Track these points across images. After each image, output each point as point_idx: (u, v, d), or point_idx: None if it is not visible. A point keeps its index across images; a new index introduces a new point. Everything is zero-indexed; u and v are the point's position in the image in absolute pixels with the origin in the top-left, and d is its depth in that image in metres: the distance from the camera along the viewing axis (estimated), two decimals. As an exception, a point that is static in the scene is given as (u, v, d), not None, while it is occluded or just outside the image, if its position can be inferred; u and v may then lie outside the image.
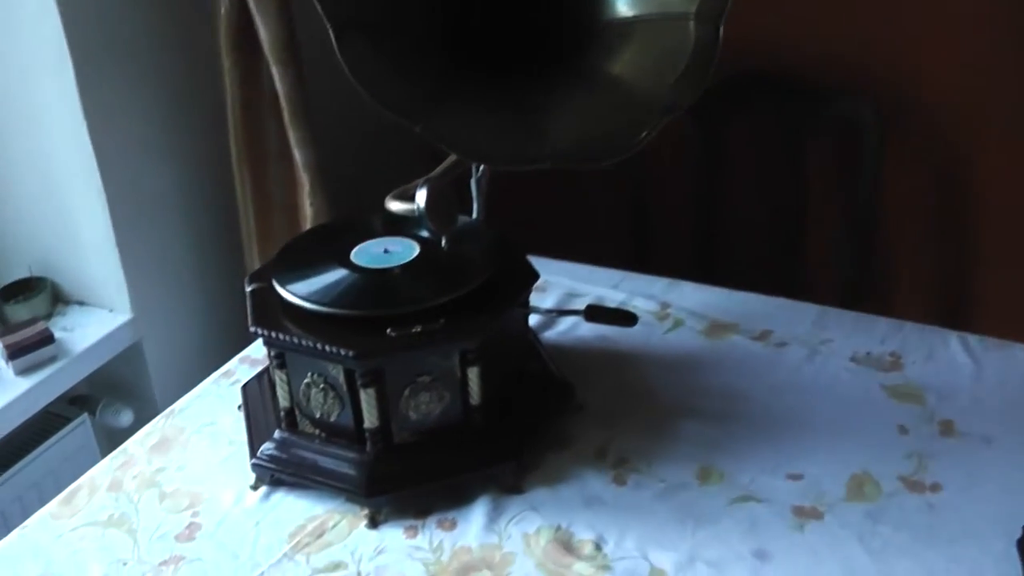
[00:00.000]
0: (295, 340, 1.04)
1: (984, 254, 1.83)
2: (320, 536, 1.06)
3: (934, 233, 1.85)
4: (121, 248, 1.54)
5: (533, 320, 1.34)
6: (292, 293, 1.08)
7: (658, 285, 1.50)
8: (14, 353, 1.41)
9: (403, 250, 1.14)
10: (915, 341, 1.32)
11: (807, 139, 1.83)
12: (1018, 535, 0.99)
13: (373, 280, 1.10)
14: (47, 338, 1.45)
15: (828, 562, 0.99)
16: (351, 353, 1.01)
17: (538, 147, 0.91)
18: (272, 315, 1.08)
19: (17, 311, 1.52)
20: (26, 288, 1.57)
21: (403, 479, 1.08)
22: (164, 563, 1.04)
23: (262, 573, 1.02)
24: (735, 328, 1.39)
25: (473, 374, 1.08)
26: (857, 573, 0.98)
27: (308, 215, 1.58)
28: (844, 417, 1.19)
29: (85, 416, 1.55)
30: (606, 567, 1.00)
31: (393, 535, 1.06)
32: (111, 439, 1.57)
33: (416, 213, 1.08)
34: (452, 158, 1.15)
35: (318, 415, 1.10)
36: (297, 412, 1.13)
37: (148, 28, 1.52)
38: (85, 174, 1.48)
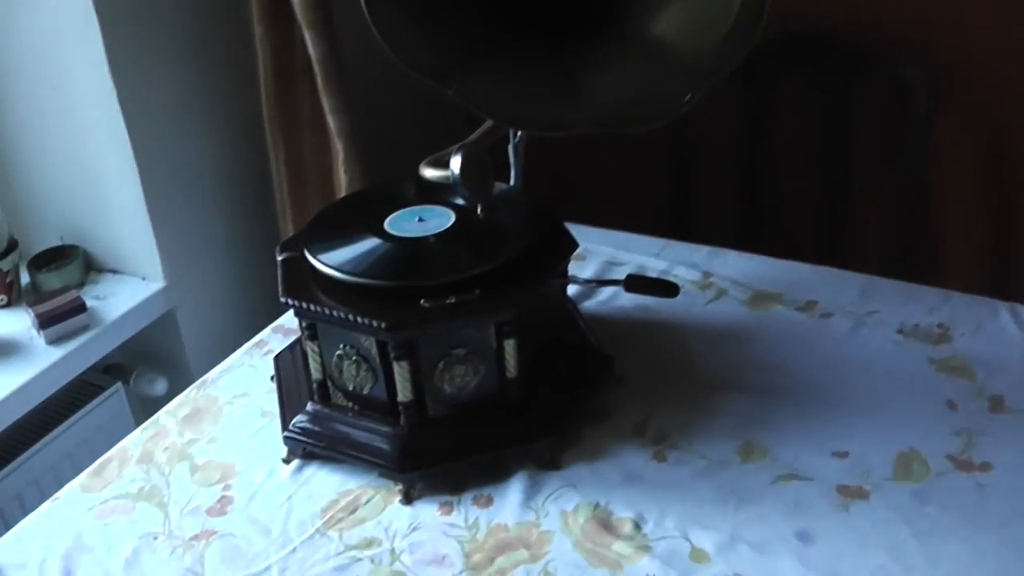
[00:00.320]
0: (326, 311, 1.01)
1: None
2: (353, 512, 1.04)
3: (984, 201, 1.80)
4: (153, 216, 1.52)
5: (571, 289, 1.31)
6: (324, 263, 1.05)
7: (701, 253, 1.47)
8: (45, 322, 1.40)
9: (438, 218, 1.11)
10: (963, 312, 1.28)
11: (856, 102, 1.77)
12: (1074, 517, 0.95)
13: (407, 249, 1.07)
14: (79, 307, 1.43)
15: (873, 545, 0.96)
16: (383, 325, 0.98)
17: (576, 111, 0.87)
18: (303, 285, 1.06)
19: (49, 279, 1.51)
20: (58, 256, 1.56)
21: (438, 454, 1.05)
22: (195, 537, 1.02)
23: (294, 549, 1.00)
24: (779, 298, 1.35)
25: (509, 346, 1.05)
26: (904, 557, 0.94)
27: (342, 182, 1.55)
28: (890, 392, 1.16)
29: (119, 385, 1.54)
30: (645, 547, 0.97)
31: (427, 511, 1.04)
32: (145, 408, 1.56)
33: (451, 180, 1.04)
34: (488, 123, 1.12)
35: (351, 387, 1.07)
36: (330, 384, 1.10)
37: (178, -8, 1.49)
38: (116, 142, 1.46)
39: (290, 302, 1.04)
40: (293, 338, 1.30)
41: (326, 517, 1.03)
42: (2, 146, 1.57)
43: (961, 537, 0.96)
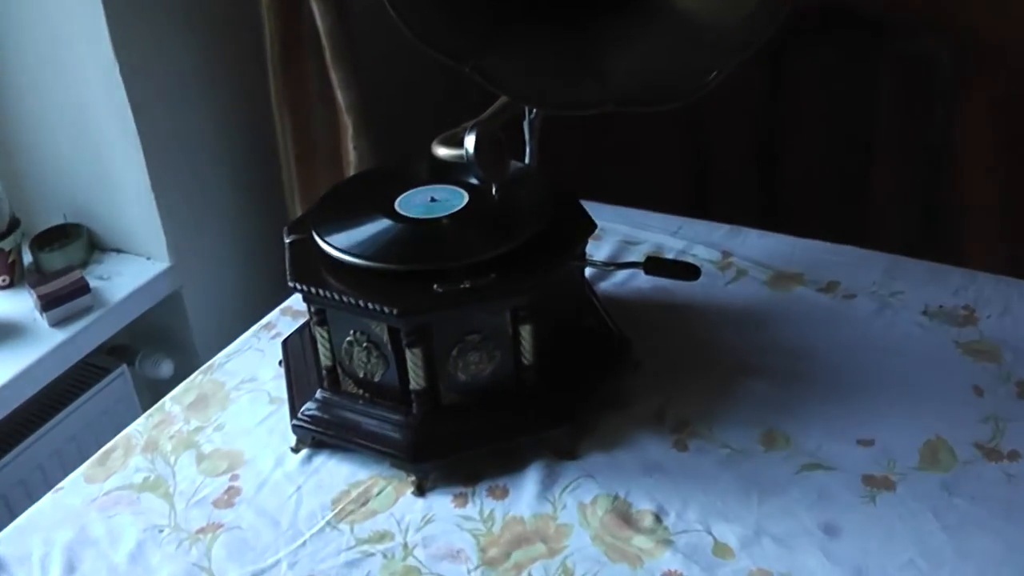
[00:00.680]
0: (336, 296, 0.98)
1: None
2: (364, 504, 1.01)
3: (1007, 177, 1.75)
4: (158, 194, 1.48)
5: (587, 270, 1.27)
6: (333, 246, 1.02)
7: (719, 232, 1.43)
8: (48, 304, 1.37)
9: (451, 199, 1.08)
10: (990, 293, 1.25)
11: (878, 78, 1.73)
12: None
13: (419, 231, 1.04)
14: (82, 288, 1.40)
15: (901, 538, 0.93)
16: (395, 311, 0.95)
17: (598, 89, 0.83)
18: (312, 269, 1.02)
19: (52, 259, 1.48)
20: (61, 235, 1.52)
21: (451, 443, 1.02)
22: (202, 530, 0.99)
23: (304, 543, 0.97)
24: (800, 279, 1.31)
25: (525, 332, 1.01)
26: (933, 551, 0.91)
27: (351, 159, 1.51)
28: (916, 376, 1.13)
29: (124, 367, 1.51)
30: (667, 541, 0.94)
31: (441, 503, 1.00)
32: (151, 391, 1.53)
33: (465, 159, 1.00)
34: (503, 99, 1.08)
35: (361, 375, 1.04)
36: (339, 371, 1.07)
37: (181, -36, 1.45)
38: (119, 117, 1.42)
39: (298, 287, 1.00)
40: (301, 320, 1.27)
41: (336, 509, 1.00)
42: (3, 123, 1.53)
43: (992, 530, 0.93)
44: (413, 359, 0.99)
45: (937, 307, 1.23)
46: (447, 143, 1.08)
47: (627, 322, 1.19)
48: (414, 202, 1.08)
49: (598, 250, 1.38)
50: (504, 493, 1.01)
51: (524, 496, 1.00)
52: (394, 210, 1.06)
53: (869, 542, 0.93)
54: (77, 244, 1.52)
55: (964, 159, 1.74)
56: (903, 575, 0.89)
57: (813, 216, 1.81)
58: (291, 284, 1.01)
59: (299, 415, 1.07)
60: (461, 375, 1.01)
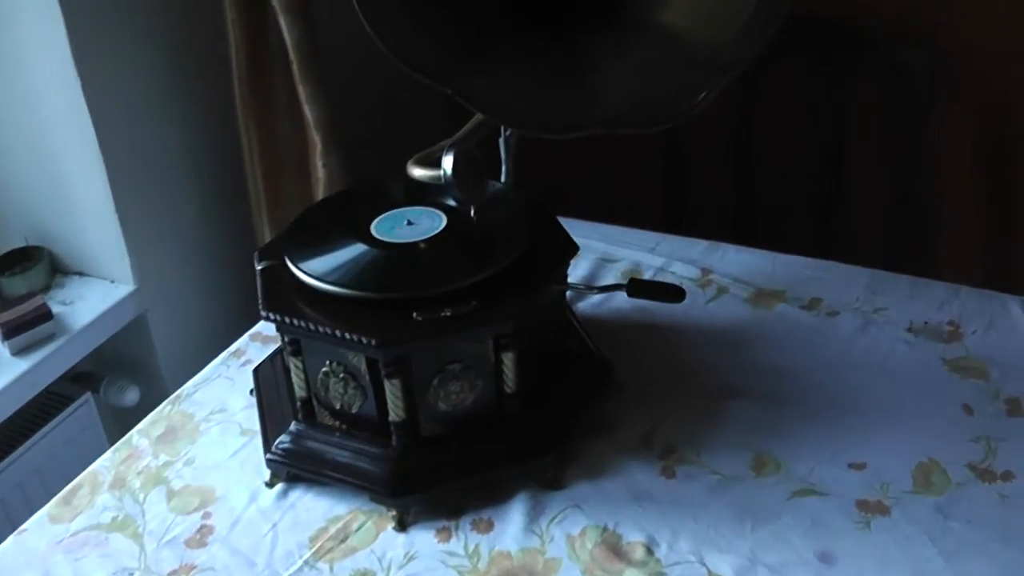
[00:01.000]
0: (311, 326, 0.94)
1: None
2: (344, 540, 0.97)
3: (984, 189, 1.75)
4: (121, 214, 1.44)
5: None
6: (307, 273, 0.98)
7: (698, 248, 1.41)
8: (9, 332, 1.32)
9: (428, 221, 1.04)
10: (974, 308, 1.23)
11: (853, 89, 1.71)
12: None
13: (396, 256, 1.00)
14: (45, 314, 1.35)
15: (898, 565, 0.91)
16: (374, 341, 0.91)
17: (586, 111, 0.80)
18: (285, 297, 0.98)
19: (13, 284, 1.43)
20: (22, 258, 1.47)
21: (433, 476, 0.99)
22: (174, 572, 0.95)
23: (281, 584, 0.93)
24: (782, 296, 1.29)
25: (508, 359, 0.98)
26: (931, 578, 0.89)
27: (320, 176, 1.47)
28: (904, 396, 1.11)
29: (88, 395, 1.46)
30: (660, 574, 0.91)
31: (424, 538, 0.97)
32: (117, 419, 1.49)
33: (442, 180, 0.97)
34: (478, 117, 1.04)
35: (338, 406, 1.00)
36: (315, 402, 1.03)
37: (144, -25, 1.41)
38: (81, 135, 1.38)
39: (271, 316, 0.96)
40: (272, 347, 1.23)
41: (315, 547, 0.96)
42: (-42, 142, 1.48)
43: (989, 553, 0.91)
44: (392, 390, 0.95)
45: (922, 323, 1.22)
46: (423, 163, 1.04)
47: (607, 343, 1.16)
48: (390, 225, 1.04)
49: (574, 268, 1.34)
50: (489, 526, 0.98)
51: (510, 529, 0.97)
52: (369, 234, 1.03)
53: (866, 570, 0.90)
54: (38, 268, 1.47)
55: (940, 169, 1.73)
56: (903, 604, 0.87)
57: (788, 228, 1.80)
58: (264, 314, 0.97)
59: (273, 449, 1.03)
60: (442, 405, 0.98)
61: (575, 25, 0.87)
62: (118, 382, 1.50)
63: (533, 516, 0.98)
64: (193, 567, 0.95)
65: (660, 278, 1.34)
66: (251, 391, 1.15)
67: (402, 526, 0.98)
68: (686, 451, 1.05)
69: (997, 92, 1.66)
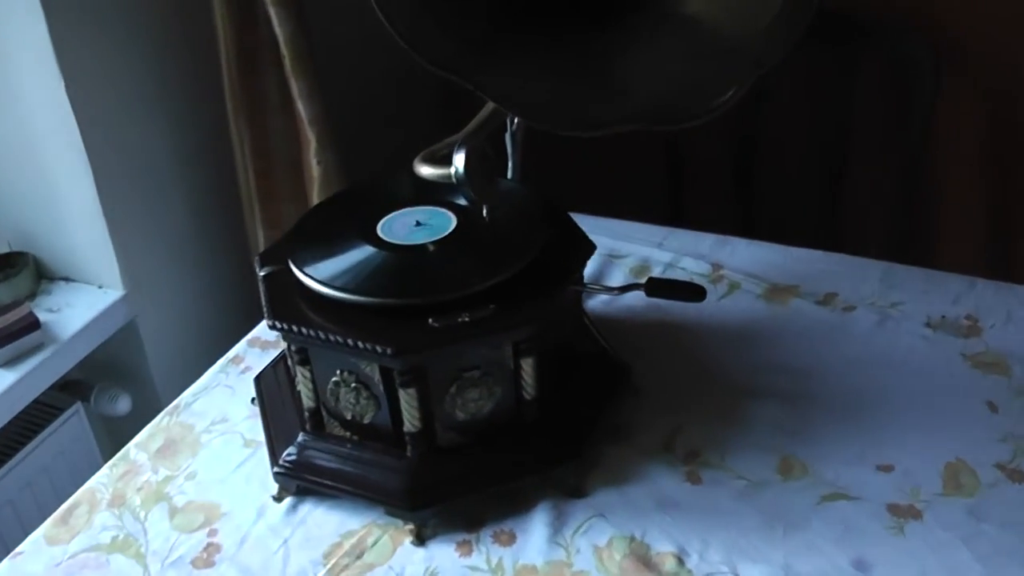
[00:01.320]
0: (322, 335, 0.90)
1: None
2: (360, 556, 0.93)
3: (986, 183, 1.72)
4: (109, 216, 1.39)
5: (580, 292, 1.20)
6: (314, 278, 0.93)
7: (706, 242, 1.37)
8: (-5, 343, 1.27)
9: (437, 222, 1.00)
10: (991, 301, 1.21)
11: (856, 79, 1.68)
12: None
13: (406, 259, 0.96)
14: (32, 324, 1.30)
15: (935, 572, 0.88)
16: (389, 350, 0.87)
17: (612, 107, 0.76)
18: (291, 304, 0.94)
19: (-3, 291, 1.37)
20: (5, 265, 1.42)
21: (451, 487, 0.94)
22: (181, 595, 0.90)
23: (296, 605, 0.88)
24: (796, 291, 1.26)
25: (527, 364, 0.94)
26: (968, 583, 0.86)
27: (315, 175, 1.43)
28: (927, 394, 1.08)
29: (78, 404, 1.41)
30: (692, 585, 0.88)
31: (444, 552, 0.93)
32: (108, 429, 1.44)
33: (454, 178, 0.92)
34: (486, 111, 1.00)
35: (349, 416, 0.96)
36: (324, 412, 0.98)
37: (127, -32, 1.36)
38: (64, 135, 1.33)
39: (279, 325, 0.92)
40: (272, 352, 1.19)
41: (329, 564, 0.92)
42: (-64, 144, 1.42)
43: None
44: (407, 399, 0.91)
45: (939, 318, 1.19)
46: (430, 161, 1.00)
47: (620, 343, 1.12)
48: (398, 226, 1.00)
49: (582, 265, 1.31)
50: (511, 538, 0.94)
51: (533, 540, 0.93)
52: (377, 235, 0.99)
53: (902, 576, 0.87)
54: (23, 274, 1.41)
55: (943, 162, 1.71)
56: (945, 613, 0.84)
57: (788, 220, 1.77)
58: (269, 323, 0.92)
59: (280, 461, 0.98)
60: (459, 414, 0.94)
61: (598, 18, 0.82)
62: (109, 390, 1.45)
63: (557, 527, 0.94)
64: (201, 589, 0.91)
65: (669, 274, 1.31)
66: (252, 400, 1.11)
67: (420, 540, 0.94)
68: (710, 455, 1.01)
69: (1002, 83, 1.63)
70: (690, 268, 1.31)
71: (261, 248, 1.48)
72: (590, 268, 1.30)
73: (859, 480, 0.97)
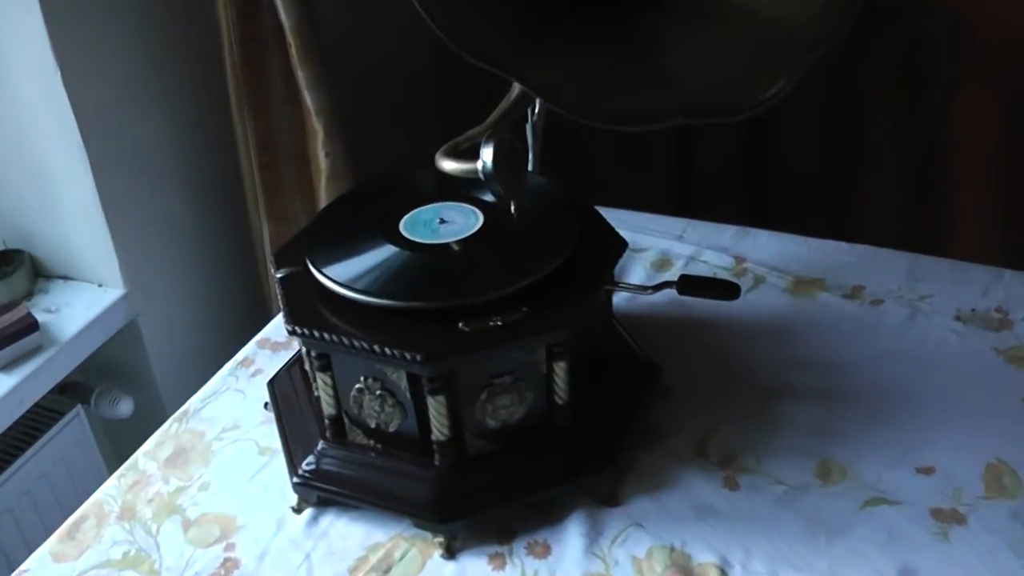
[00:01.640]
0: (345, 340, 0.85)
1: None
2: (387, 571, 0.89)
3: (1004, 169, 1.69)
4: (108, 212, 1.34)
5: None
6: (335, 280, 0.89)
7: (727, 234, 1.34)
8: (-8, 347, 1.22)
9: (463, 219, 0.96)
10: (1019, 292, 1.18)
11: (871, 60, 1.64)
12: None
13: (432, 259, 0.91)
14: (30, 325, 1.25)
15: (984, 577, 0.84)
16: (419, 357, 0.82)
17: (664, 99, 0.71)
18: (311, 308, 0.89)
19: (-8, 291, 1.33)
20: (1, 263, 1.37)
21: (481, 497, 0.90)
22: (200, 614, 0.86)
23: (323, 625, 0.84)
24: (821, 284, 1.23)
25: (560, 368, 0.90)
26: (1019, 591, 0.83)
27: (323, 167, 1.38)
28: (961, 390, 1.05)
29: (79, 407, 1.36)
30: (738, 598, 0.84)
31: (476, 566, 0.89)
32: (110, 432, 1.40)
33: (481, 173, 0.88)
34: (508, 101, 0.95)
35: (373, 424, 0.91)
36: (346, 419, 0.94)
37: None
38: (62, 129, 1.29)
39: (299, 331, 0.87)
40: (283, 354, 1.15)
41: (356, 580, 0.88)
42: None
43: (1072, 561, 0.85)
44: (436, 407, 0.87)
45: (969, 311, 1.16)
46: (453, 154, 0.95)
47: (645, 342, 1.09)
48: (421, 224, 0.96)
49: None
50: (546, 550, 0.90)
51: (569, 552, 0.89)
52: (399, 234, 0.94)
53: (952, 584, 0.84)
54: (20, 273, 1.37)
55: (960, 148, 1.68)
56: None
57: (801, 208, 1.74)
58: (289, 329, 0.88)
59: (300, 471, 0.94)
60: (490, 421, 0.90)
61: (642, 5, 0.78)
62: (110, 392, 1.41)
63: (593, 537, 0.90)
64: (221, 607, 0.87)
65: (691, 268, 1.28)
66: (266, 405, 1.06)
67: (451, 553, 0.90)
68: (746, 459, 0.98)
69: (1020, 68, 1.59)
70: (713, 261, 1.28)
71: (267, 243, 1.44)
72: (611, 262, 1.26)
73: (900, 483, 0.94)
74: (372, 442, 0.93)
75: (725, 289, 0.99)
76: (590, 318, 0.94)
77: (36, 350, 1.27)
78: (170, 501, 0.98)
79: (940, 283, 1.21)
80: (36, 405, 1.30)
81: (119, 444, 1.42)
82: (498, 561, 0.89)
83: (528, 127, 1.06)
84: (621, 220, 1.33)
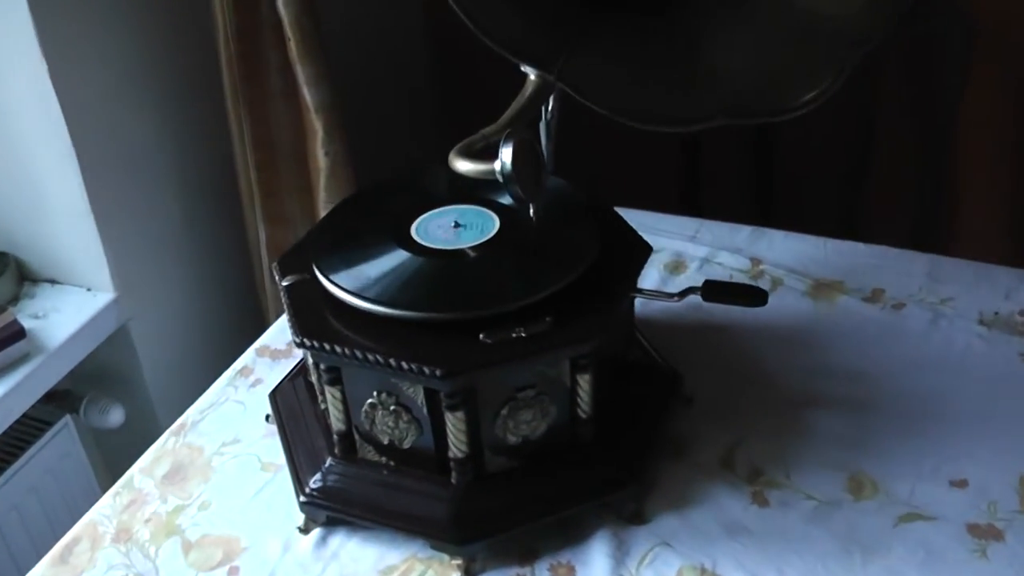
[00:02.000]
0: (358, 354, 0.80)
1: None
2: (403, 596, 0.84)
3: (1015, 167, 1.66)
4: (98, 214, 1.30)
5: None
6: (345, 288, 0.84)
7: (741, 235, 1.31)
8: (-23, 355, 1.16)
9: (478, 222, 0.91)
10: (1041, 295, 1.15)
11: (882, 58, 1.61)
12: None
13: (447, 266, 0.87)
14: (16, 332, 1.20)
15: (1025, 597, 0.81)
16: (438, 371, 0.77)
17: (708, 98, 0.67)
18: (320, 319, 0.84)
19: (-24, 297, 1.27)
20: (-15, 267, 1.32)
21: (501, 517, 0.86)
22: (205, 645, 0.81)
23: (337, 656, 0.80)
24: (841, 287, 1.20)
25: (584, 381, 0.85)
26: (1062, 611, 0.80)
27: (322, 167, 1.34)
28: (989, 399, 1.02)
29: (67, 417, 1.31)
30: (774, 624, 0.80)
31: (498, 590, 0.84)
32: (100, 443, 1.35)
33: (499, 175, 0.83)
34: (523, 99, 0.91)
35: (386, 441, 0.87)
36: (356, 435, 0.89)
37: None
38: (49, 127, 1.24)
39: (308, 343, 0.82)
40: (283, 362, 1.10)
41: (371, 606, 0.83)
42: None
43: (1115, 580, 0.82)
44: (454, 423, 0.82)
45: (992, 314, 1.14)
46: (467, 154, 0.90)
47: (663, 349, 1.05)
48: (434, 228, 0.91)
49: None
50: (570, 572, 0.86)
51: (594, 573, 0.85)
52: (411, 238, 0.89)
53: (993, 605, 0.81)
54: (5, 276, 1.32)
55: (971, 147, 1.64)
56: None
57: (809, 207, 1.71)
58: (297, 342, 0.83)
59: (308, 489, 0.89)
60: (511, 436, 0.85)
61: (683, 1, 0.73)
62: (100, 401, 1.36)
63: (619, 557, 0.86)
64: (228, 637, 0.82)
65: (707, 270, 1.25)
66: (267, 417, 1.02)
67: (470, 576, 0.85)
68: (774, 473, 0.94)
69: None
70: (728, 263, 1.25)
71: (263, 245, 1.40)
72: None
73: (934, 498, 0.91)
74: (384, 459, 0.89)
75: (752, 295, 0.95)
76: (615, 327, 0.89)
77: (23, 358, 1.22)
78: (168, 521, 0.93)
79: (961, 285, 1.18)
80: (23, 415, 1.25)
81: (109, 455, 1.37)
82: (520, 584, 0.85)
83: (542, 126, 1.02)
84: (630, 220, 1.30)
